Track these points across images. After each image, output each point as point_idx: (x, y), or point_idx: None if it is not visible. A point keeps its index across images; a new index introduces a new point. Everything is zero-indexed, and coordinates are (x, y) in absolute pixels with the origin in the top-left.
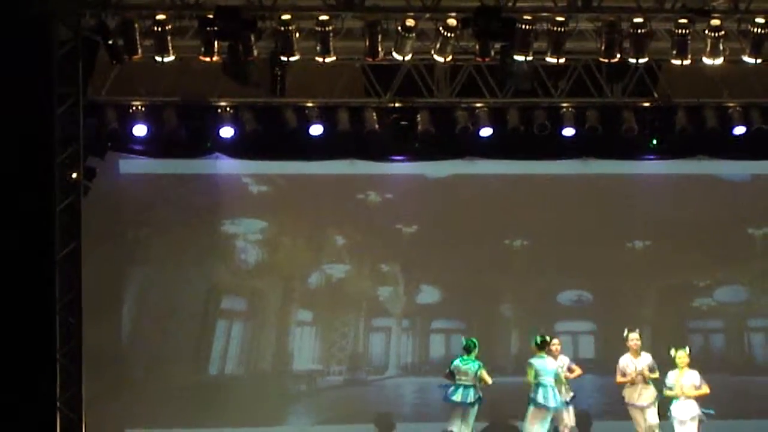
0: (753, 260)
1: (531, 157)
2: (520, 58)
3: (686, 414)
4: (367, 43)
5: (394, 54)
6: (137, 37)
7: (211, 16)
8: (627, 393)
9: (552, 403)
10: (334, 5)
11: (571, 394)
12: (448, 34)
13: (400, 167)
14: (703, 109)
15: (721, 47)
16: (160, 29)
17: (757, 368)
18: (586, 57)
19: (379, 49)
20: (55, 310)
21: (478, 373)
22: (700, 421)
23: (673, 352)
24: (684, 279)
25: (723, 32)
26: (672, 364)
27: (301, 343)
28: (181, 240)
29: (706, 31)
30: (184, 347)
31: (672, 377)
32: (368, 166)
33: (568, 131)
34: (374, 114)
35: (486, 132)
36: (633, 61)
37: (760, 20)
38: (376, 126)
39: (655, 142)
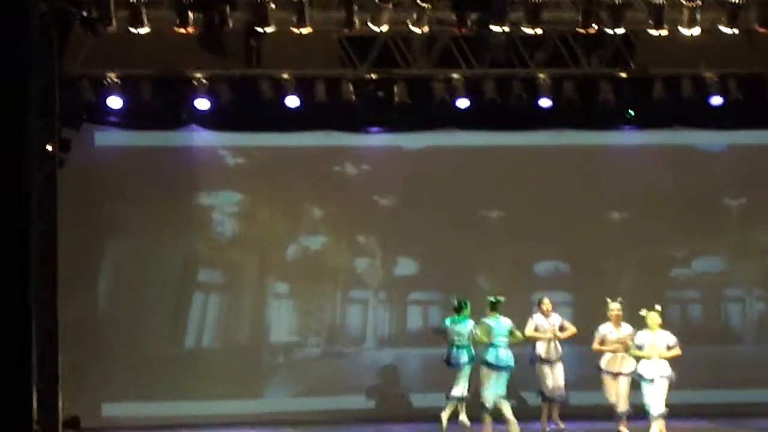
0: (729, 230)
1: (507, 128)
2: (496, 28)
3: (656, 372)
4: (344, 14)
5: (371, 25)
6: (112, 8)
7: None
8: (606, 361)
9: (503, 363)
10: None
11: (561, 351)
12: (425, 5)
13: (376, 139)
14: (680, 79)
15: (698, 17)
16: (134, 0)
17: (734, 337)
18: (562, 27)
19: (356, 19)
20: (31, 284)
21: (473, 332)
22: (670, 384)
23: (644, 312)
24: (661, 249)
25: (700, 2)
26: (643, 326)
27: (278, 316)
28: (157, 212)
29: (683, 1)
30: (160, 320)
31: (643, 337)
32: (345, 138)
33: (545, 102)
34: (351, 85)
35: (463, 103)
36: (610, 31)
37: None
38: (353, 97)
39: (631, 112)
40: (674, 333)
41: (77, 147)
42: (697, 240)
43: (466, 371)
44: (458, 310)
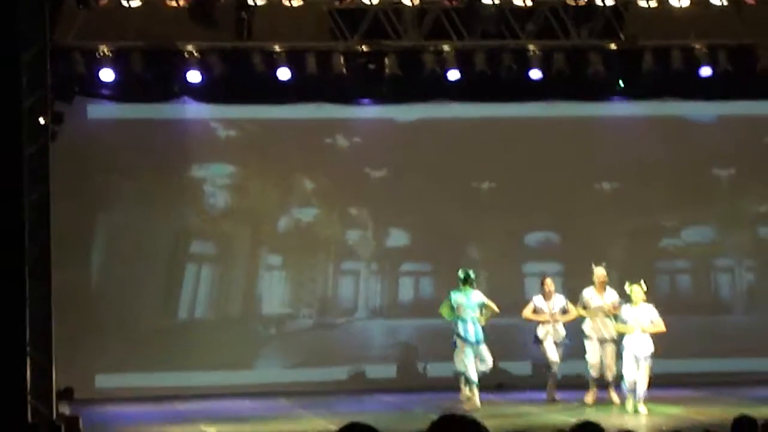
0: (719, 201)
1: (498, 100)
2: (487, 0)
3: (641, 351)
4: None
5: None
6: None
7: None
8: (588, 327)
9: (472, 337)
10: None
11: (563, 334)
12: None
13: (368, 111)
14: (670, 50)
15: None
16: None
17: (723, 307)
18: None
19: None
20: (24, 256)
21: (483, 305)
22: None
23: (627, 286)
24: (651, 220)
25: None
26: (628, 300)
27: (271, 287)
28: (150, 184)
29: None
30: (153, 291)
31: (627, 312)
32: (336, 110)
33: (535, 74)
34: (342, 58)
35: (453, 75)
36: (600, 3)
37: None
38: (344, 70)
39: (621, 84)
40: (664, 303)
41: (69, 120)
42: (687, 210)
43: (485, 347)
44: (466, 280)
